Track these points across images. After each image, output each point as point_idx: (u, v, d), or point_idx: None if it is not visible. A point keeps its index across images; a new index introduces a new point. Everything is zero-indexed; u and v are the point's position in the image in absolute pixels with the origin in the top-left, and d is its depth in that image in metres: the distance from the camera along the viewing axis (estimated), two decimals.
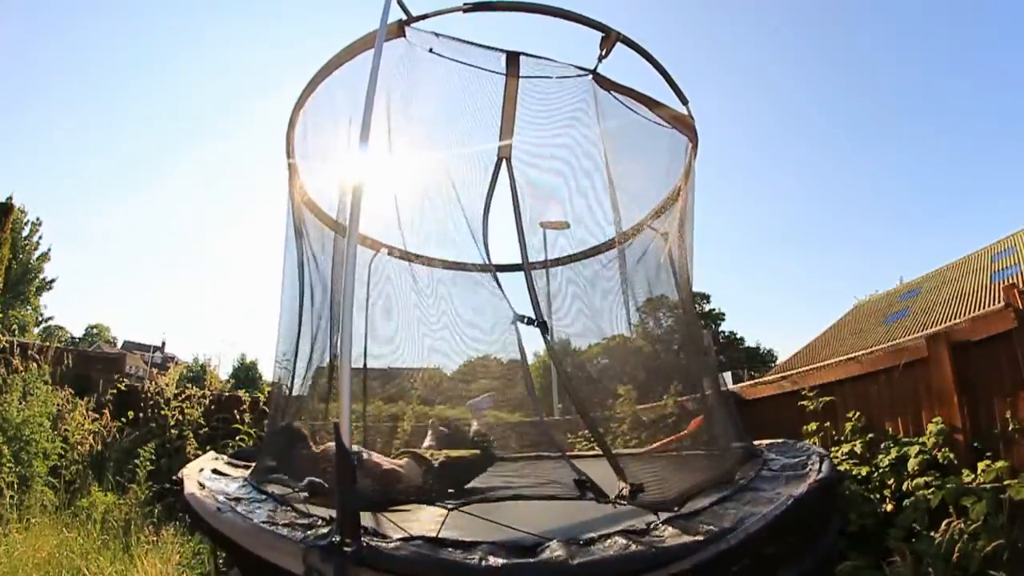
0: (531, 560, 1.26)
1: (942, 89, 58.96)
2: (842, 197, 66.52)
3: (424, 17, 2.54)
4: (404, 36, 2.53)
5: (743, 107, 61.46)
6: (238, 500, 1.77)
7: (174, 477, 2.29)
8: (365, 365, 3.42)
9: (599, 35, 2.72)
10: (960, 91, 58.52)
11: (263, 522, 1.47)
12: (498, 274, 3.80)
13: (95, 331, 44.36)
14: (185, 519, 4.02)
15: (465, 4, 2.47)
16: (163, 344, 43.52)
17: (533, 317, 2.51)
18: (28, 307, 25.67)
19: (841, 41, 60.74)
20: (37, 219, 26.83)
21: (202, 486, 1.91)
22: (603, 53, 2.76)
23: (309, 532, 1.35)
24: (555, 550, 1.32)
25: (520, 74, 2.75)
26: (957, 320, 3.88)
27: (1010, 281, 10.22)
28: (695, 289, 3.21)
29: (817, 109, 64.85)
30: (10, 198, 14.93)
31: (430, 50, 2.56)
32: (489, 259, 3.55)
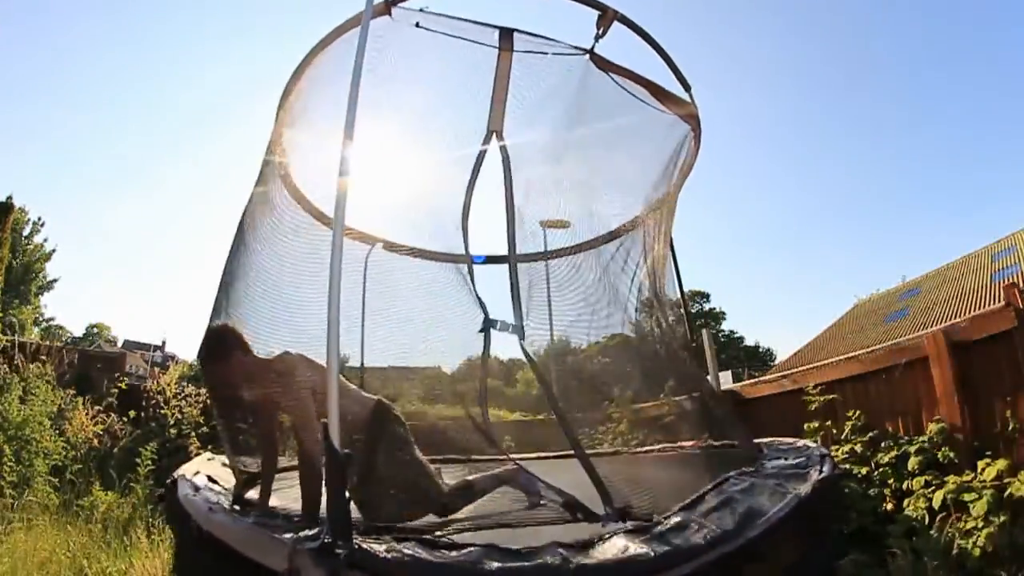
0: (527, 564, 1.24)
1: (943, 88, 58.88)
2: (843, 195, 66.48)
3: None
4: (390, 15, 2.44)
5: (742, 104, 61.38)
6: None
7: (169, 480, 2.26)
8: (363, 364, 3.40)
9: (590, 21, 2.60)
10: (961, 90, 58.43)
11: (255, 523, 1.45)
12: (492, 265, 3.69)
13: (95, 330, 44.38)
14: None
15: None
16: (163, 343, 43.54)
17: (509, 323, 2.42)
18: (29, 306, 25.71)
19: (843, 39, 60.64)
20: (39, 219, 26.89)
21: (196, 488, 1.89)
22: (600, 32, 2.63)
23: (299, 534, 1.34)
24: (551, 553, 1.30)
25: (514, 49, 2.65)
26: (957, 319, 3.87)
27: (1010, 280, 10.19)
28: (695, 288, 3.18)
29: (818, 106, 64.76)
30: (10, 198, 14.91)
31: (416, 24, 2.47)
32: (467, 249, 3.39)
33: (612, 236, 3.10)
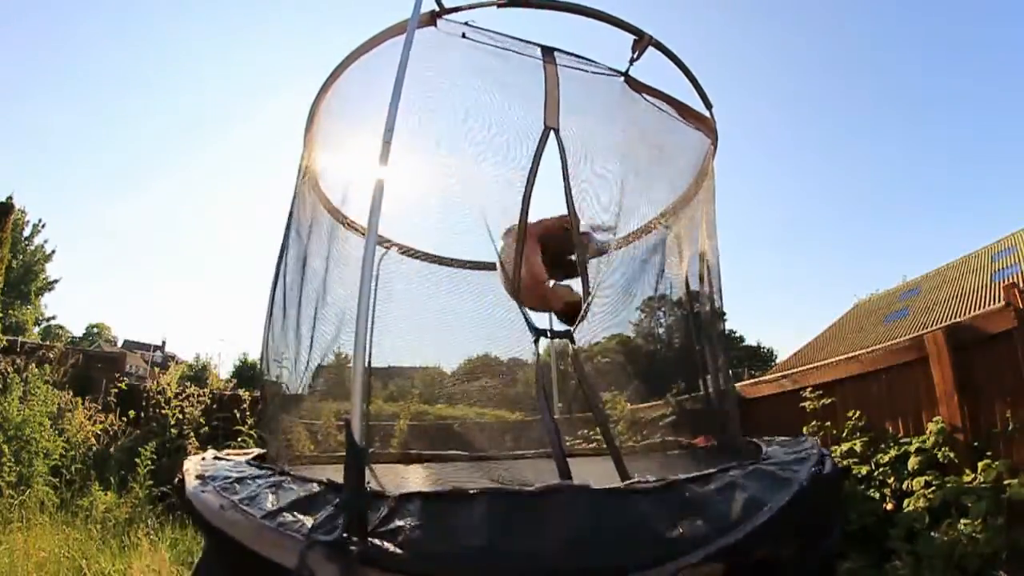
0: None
1: (944, 88, 59.04)
2: (844, 196, 66.71)
3: (457, 10, 2.49)
4: (435, 26, 2.48)
5: (743, 104, 61.51)
6: (240, 480, 1.74)
7: (177, 479, 2.27)
8: (370, 364, 3.41)
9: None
10: (962, 90, 58.61)
11: (264, 517, 1.45)
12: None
13: (95, 330, 44.37)
14: (185, 518, 4.02)
15: None
16: (163, 343, 43.54)
17: (558, 331, 2.49)
18: (29, 307, 25.70)
19: (843, 39, 60.79)
20: (39, 220, 26.90)
21: (203, 480, 1.89)
22: (635, 56, 2.75)
23: (313, 527, 1.34)
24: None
25: (556, 63, 2.73)
26: (957, 319, 3.88)
27: (1010, 281, 10.21)
28: (695, 288, 3.20)
29: (819, 106, 64.91)
30: (10, 198, 14.90)
31: (463, 35, 2.51)
32: (520, 258, 3.46)
33: (628, 241, 3.17)
